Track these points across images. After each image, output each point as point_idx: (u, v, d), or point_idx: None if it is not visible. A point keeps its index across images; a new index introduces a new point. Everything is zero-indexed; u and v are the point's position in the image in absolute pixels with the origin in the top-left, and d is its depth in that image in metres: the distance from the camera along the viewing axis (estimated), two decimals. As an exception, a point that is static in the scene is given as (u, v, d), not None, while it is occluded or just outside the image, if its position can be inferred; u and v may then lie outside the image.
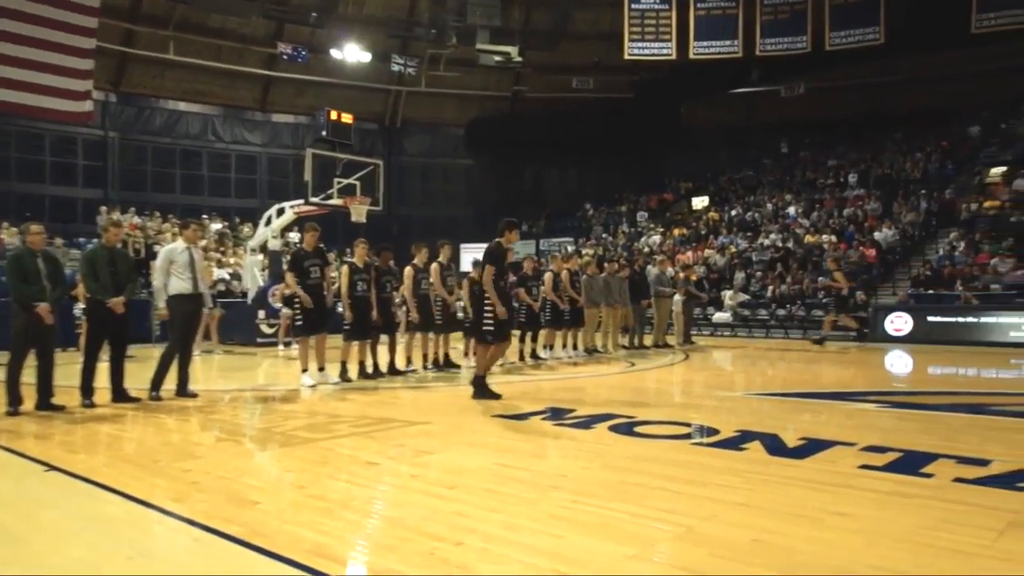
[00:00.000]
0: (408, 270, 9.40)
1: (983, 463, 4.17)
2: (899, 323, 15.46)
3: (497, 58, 25.70)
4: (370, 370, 8.87)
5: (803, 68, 25.62)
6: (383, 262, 9.13)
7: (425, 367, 9.68)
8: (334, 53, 25.67)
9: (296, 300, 7.99)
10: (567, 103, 29.13)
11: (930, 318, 15.29)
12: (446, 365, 9.91)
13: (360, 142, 23.83)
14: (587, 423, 5.61)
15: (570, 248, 24.28)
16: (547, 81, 28.42)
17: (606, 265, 13.19)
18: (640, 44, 24.83)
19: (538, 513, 3.31)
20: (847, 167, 24.91)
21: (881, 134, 26.42)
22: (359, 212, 14.86)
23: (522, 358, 10.84)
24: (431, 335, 9.76)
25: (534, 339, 11.14)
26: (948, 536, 2.94)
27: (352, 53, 25.82)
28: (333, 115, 15.09)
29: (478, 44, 25.18)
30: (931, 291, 16.40)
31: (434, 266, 9.62)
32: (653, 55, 25.03)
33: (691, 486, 3.77)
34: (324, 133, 15.13)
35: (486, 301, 7.03)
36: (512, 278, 11.06)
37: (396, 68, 26.68)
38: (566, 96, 28.84)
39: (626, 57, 25.12)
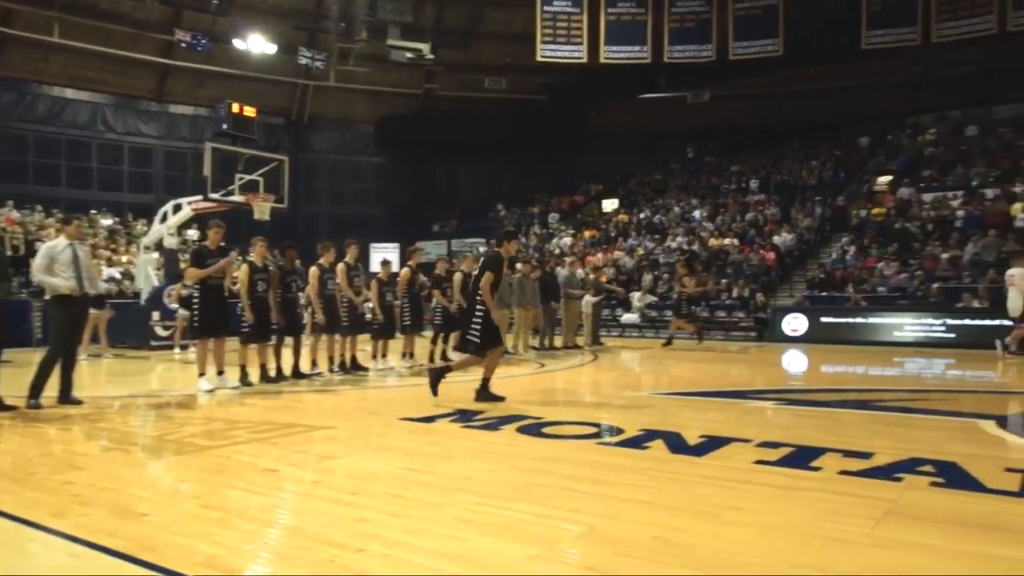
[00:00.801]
0: (313, 270, 9.21)
1: (866, 456, 4.44)
2: (795, 323, 16.28)
3: (409, 55, 25.50)
4: (272, 374, 8.64)
5: (709, 76, 26.59)
6: (288, 261, 8.92)
7: (331, 370, 9.50)
8: (237, 43, 24.77)
9: (195, 300, 7.69)
10: (480, 103, 29.21)
11: (823, 319, 16.17)
12: (353, 368, 9.75)
13: (265, 137, 23.14)
14: (495, 425, 5.64)
15: (482, 249, 24.34)
16: (459, 80, 28.43)
17: (517, 266, 13.31)
18: (552, 46, 25.18)
19: (442, 517, 3.31)
20: (749, 173, 26.04)
21: (780, 142, 27.75)
22: (262, 210, 14.42)
23: (432, 359, 10.79)
24: (337, 337, 9.58)
25: (446, 340, 11.11)
26: (831, 526, 3.12)
27: (256, 44, 25.01)
28: (235, 108, 14.58)
29: (389, 40, 24.92)
30: (824, 293, 17.35)
31: (340, 266, 9.46)
32: (565, 58, 25.42)
33: (596, 485, 3.86)
34: (225, 126, 14.58)
35: (477, 309, 6.95)
36: (425, 280, 11.04)
37: (303, 61, 26.05)
38: (479, 96, 28.91)
39: (538, 59, 25.41)
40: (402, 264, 9.62)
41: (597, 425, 5.61)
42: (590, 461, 4.46)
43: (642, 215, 25.61)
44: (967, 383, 9.30)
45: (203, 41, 24.13)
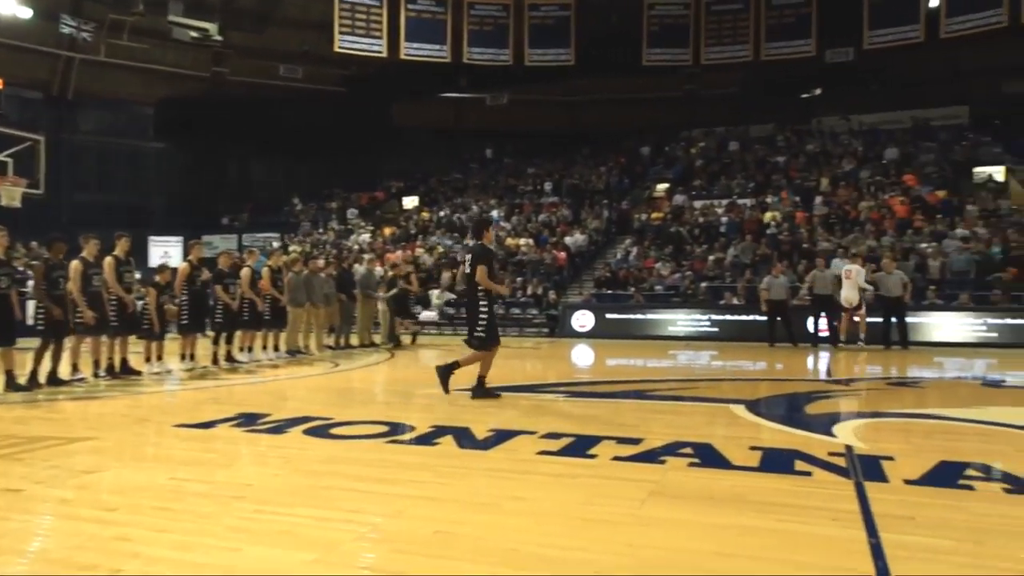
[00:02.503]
0: (75, 264, 8.24)
1: (637, 442, 4.81)
2: (583, 320, 17.30)
3: (193, 34, 23.71)
4: (24, 381, 7.64)
5: (507, 80, 27.46)
6: (55, 255, 7.96)
7: (96, 375, 8.60)
8: (-18, 3, 21.63)
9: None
10: (275, 91, 27.89)
11: (608, 315, 17.34)
12: (123, 372, 8.90)
13: (18, 112, 20.50)
14: (281, 428, 5.41)
15: (275, 244, 23.26)
16: (252, 65, 26.93)
17: (314, 263, 12.91)
18: (351, 38, 24.68)
19: (216, 528, 3.12)
20: (544, 176, 27.24)
21: (573, 148, 29.33)
22: (11, 195, 12.78)
23: (215, 361, 10.13)
24: (104, 338, 8.69)
25: (229, 340, 10.47)
26: (601, 509, 3.35)
27: (7, 5, 21.97)
28: (-22, 77, 12.74)
29: (170, 16, 23.01)
30: (610, 291, 18.60)
31: (108, 260, 8.60)
32: (364, 51, 25.03)
33: (381, 484, 3.83)
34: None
35: (480, 305, 6.88)
36: (207, 275, 10.33)
37: (66, 30, 23.26)
38: (274, 84, 27.60)
39: (336, 49, 24.79)
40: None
41: (388, 424, 5.57)
42: (377, 460, 4.43)
43: (442, 213, 25.87)
44: (726, 372, 10.40)
45: (-63, -3, 20.81)
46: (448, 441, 4.92)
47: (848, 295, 13.42)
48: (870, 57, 24.67)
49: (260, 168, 30.67)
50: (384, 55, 25.20)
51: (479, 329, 7.00)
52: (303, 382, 8.95)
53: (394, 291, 13.28)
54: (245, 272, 10.60)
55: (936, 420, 6.07)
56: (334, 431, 5.31)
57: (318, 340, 12.57)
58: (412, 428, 5.44)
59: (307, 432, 5.24)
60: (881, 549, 2.78)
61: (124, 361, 8.98)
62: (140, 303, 9.39)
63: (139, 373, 9.02)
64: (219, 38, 24.13)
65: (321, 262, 13.45)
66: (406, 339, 13.79)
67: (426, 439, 5.03)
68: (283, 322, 11.52)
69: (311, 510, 3.35)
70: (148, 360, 9.39)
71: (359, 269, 14.88)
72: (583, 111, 31.53)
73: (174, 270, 10.20)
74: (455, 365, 7.19)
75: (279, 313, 11.31)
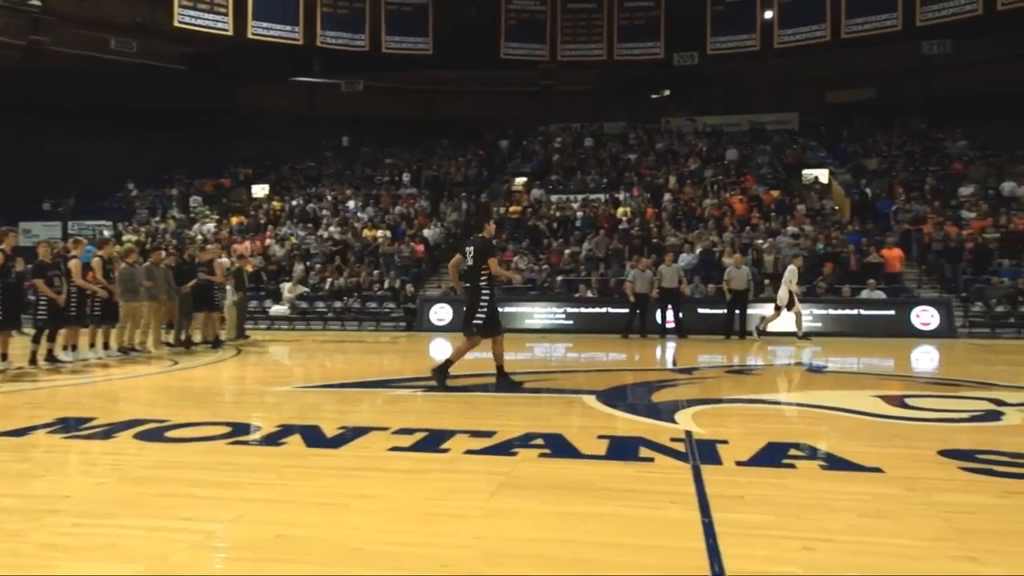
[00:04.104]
0: None
1: (490, 435, 4.87)
2: (441, 314, 17.31)
3: (7, -4, 21.49)
4: None
5: (364, 66, 26.93)
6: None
7: None
8: None
9: None
10: (106, 66, 25.84)
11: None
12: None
13: None
14: (108, 432, 5.03)
15: (107, 233, 21.55)
16: (78, 36, 24.78)
17: (156, 254, 12.09)
18: (192, 12, 23.28)
19: (26, 546, 2.84)
20: (402, 166, 26.96)
21: (432, 138, 29.23)
22: None
23: (33, 361, 9.25)
24: None
25: (52, 338, 9.58)
26: (450, 503, 3.37)
27: None
28: None
29: (-21, -25, 20.73)
30: (468, 285, 18.68)
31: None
32: (207, 27, 23.70)
33: (220, 489, 3.65)
34: None
35: (483, 294, 7.14)
36: (22, 266, 9.41)
37: None
38: (104, 57, 25.56)
39: (175, 24, 23.27)
40: None
41: (230, 424, 5.31)
42: (217, 463, 4.21)
43: (294, 203, 25.00)
44: (581, 364, 10.76)
45: None
46: (296, 440, 4.76)
47: (782, 293, 14.19)
48: (713, 62, 26.30)
49: (89, 149, 28.25)
50: (230, 33, 23.96)
51: (479, 316, 7.23)
52: (137, 382, 8.36)
53: (193, 281, 11.94)
54: (75, 263, 9.75)
55: (767, 405, 6.59)
56: (170, 434, 4.99)
57: (155, 337, 11.77)
58: (257, 428, 5.24)
59: (138, 436, 4.89)
60: (712, 528, 2.97)
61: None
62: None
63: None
64: (37, 3, 21.99)
65: (162, 253, 12.59)
66: (196, 337, 12.54)
67: (272, 439, 4.84)
68: (115, 318, 10.69)
69: (139, 520, 3.13)
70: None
71: (223, 263, 14.04)
72: (442, 101, 31.50)
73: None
74: (448, 363, 7.39)
75: (110, 308, 10.49)
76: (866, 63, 27.84)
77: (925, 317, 15.30)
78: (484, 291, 7.29)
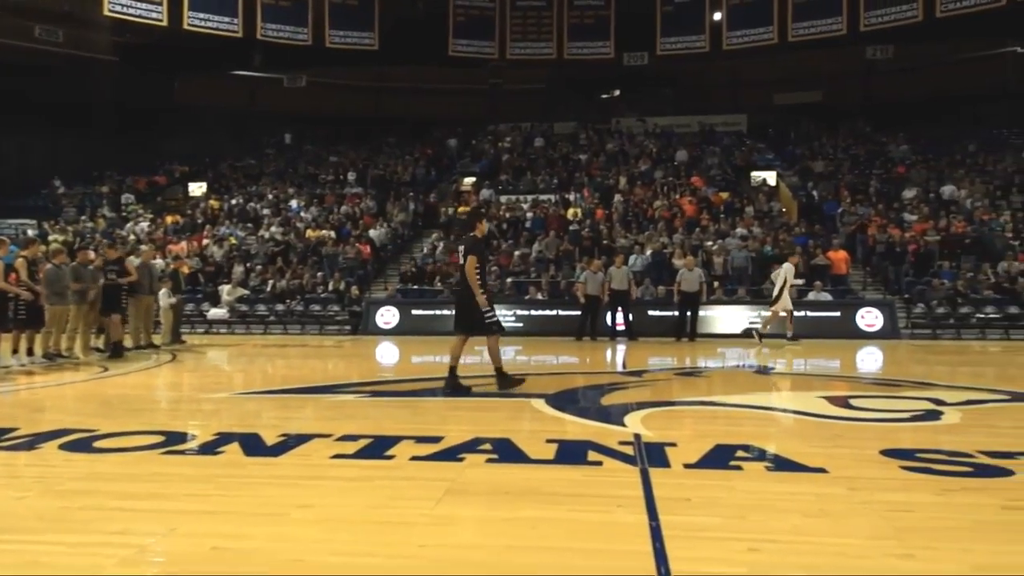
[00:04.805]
0: None
1: (436, 440, 4.86)
2: (388, 316, 17.18)
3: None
4: None
5: (307, 61, 26.56)
6: None
7: None
8: None
9: None
10: (30, 55, 24.88)
11: (414, 311, 17.34)
12: None
13: None
14: (32, 443, 4.85)
15: (32, 232, 20.78)
16: (-1, 23, 23.85)
17: (83, 254, 11.73)
18: (124, 1, 22.59)
19: (-62, 566, 2.73)
20: (347, 165, 26.68)
21: (378, 136, 29.01)
22: None
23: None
24: None
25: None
26: (395, 511, 3.35)
27: None
28: None
29: None
30: (415, 286, 18.61)
31: None
32: (140, 17, 23.02)
33: (152, 501, 3.56)
34: None
35: (480, 294, 7.12)
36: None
37: None
38: (27, 46, 24.63)
39: (106, 13, 22.57)
40: None
41: (165, 433, 5.18)
42: (149, 474, 4.10)
43: (234, 202, 24.50)
44: (531, 367, 10.80)
45: None
46: (234, 449, 4.67)
47: (777, 292, 14.14)
48: (663, 63, 26.72)
49: (9, 144, 27.19)
50: (164, 23, 23.32)
51: (488, 317, 7.28)
52: (64, 390, 8.08)
53: (101, 282, 11.37)
54: (-5, 265, 9.39)
55: (716, 407, 6.71)
56: (99, 444, 4.85)
57: (84, 342, 11.40)
58: (193, 437, 5.12)
59: (64, 447, 4.73)
60: (660, 531, 3.03)
61: None
62: None
63: None
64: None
65: (92, 253, 12.20)
66: (128, 342, 11.93)
67: (208, 448, 4.74)
68: (40, 322, 10.32)
69: (64, 535, 3.03)
70: None
71: (135, 261, 13.69)
72: (389, 99, 31.30)
73: None
74: (499, 371, 7.51)
75: (35, 312, 10.12)
76: (812, 66, 28.69)
77: (870, 318, 15.80)
78: (480, 289, 7.35)
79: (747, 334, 14.85)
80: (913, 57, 26.85)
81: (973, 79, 27.85)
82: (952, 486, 3.78)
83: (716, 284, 16.97)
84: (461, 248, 7.57)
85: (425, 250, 20.59)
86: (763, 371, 9.94)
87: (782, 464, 4.26)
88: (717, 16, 25.56)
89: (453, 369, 7.51)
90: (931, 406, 6.39)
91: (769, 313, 14.39)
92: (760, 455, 4.53)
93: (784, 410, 6.26)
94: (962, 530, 3.07)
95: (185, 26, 23.46)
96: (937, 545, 2.88)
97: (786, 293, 14.02)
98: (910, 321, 16.35)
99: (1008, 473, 4.01)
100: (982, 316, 15.96)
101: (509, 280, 18.06)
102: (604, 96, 31.70)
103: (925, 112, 27.04)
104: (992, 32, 25.38)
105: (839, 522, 3.18)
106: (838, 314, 16.16)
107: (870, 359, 11.97)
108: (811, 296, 16.52)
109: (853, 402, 6.73)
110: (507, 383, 7.49)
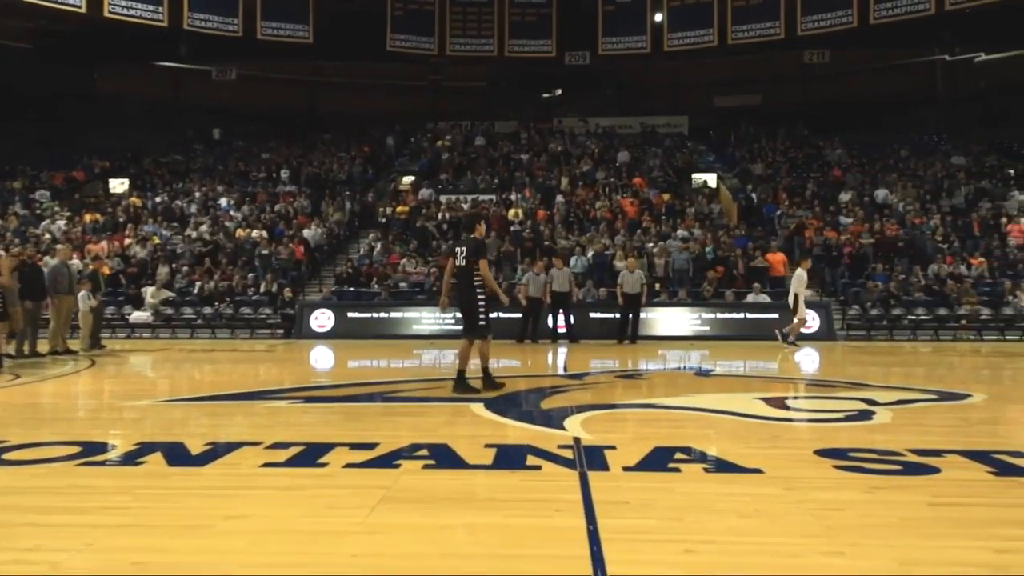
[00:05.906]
0: None
1: (372, 446, 4.82)
2: (323, 319, 16.95)
3: None
4: None
5: (238, 53, 26.01)
6: None
7: None
8: None
9: None
10: (-68, 41, 23.76)
11: (350, 314, 17.16)
12: None
13: None
14: (-66, 457, 4.63)
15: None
16: None
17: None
18: (39, -14, 21.76)
19: None
20: (280, 162, 26.21)
21: (313, 133, 28.60)
22: None
23: None
24: None
25: None
26: (328, 520, 3.32)
27: None
28: None
29: None
30: (352, 288, 18.41)
31: None
32: (57, 3, 22.19)
33: (67, 515, 3.44)
34: None
35: (479, 296, 7.30)
36: None
37: None
38: (-69, 31, 23.49)
39: (19, -2, 21.72)
40: None
41: (81, 443, 5.01)
42: (64, 487, 3.97)
43: (159, 199, 23.81)
44: (471, 371, 10.75)
45: None
46: (156, 459, 4.55)
47: (791, 299, 14.23)
48: (605, 62, 27.08)
49: (-90, 135, 25.93)
50: (82, 10, 22.53)
51: (481, 318, 7.40)
52: (-30, 399, 7.73)
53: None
54: None
55: (656, 409, 6.83)
56: (8, 456, 4.66)
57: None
58: (112, 447, 4.97)
59: (-30, 460, 4.54)
60: (597, 534, 3.07)
61: None
62: None
63: None
64: None
65: (1, 254, 11.68)
66: (44, 347, 11.32)
67: (129, 458, 4.61)
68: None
69: (-31, 554, 2.91)
70: None
71: (51, 262, 13.20)
72: (324, 94, 30.90)
73: None
74: (486, 373, 7.62)
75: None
76: (752, 69, 29.47)
77: (807, 320, 16.28)
78: (479, 292, 7.46)
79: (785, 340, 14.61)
80: (848, 62, 27.84)
81: (905, 85, 29.08)
82: (882, 484, 3.94)
83: (658, 286, 17.27)
84: (461, 250, 7.58)
85: (362, 251, 20.39)
86: (703, 373, 10.16)
87: (720, 465, 4.37)
88: (658, 17, 26.04)
89: (461, 373, 7.58)
90: (864, 406, 6.63)
91: (796, 321, 14.37)
92: (699, 456, 4.63)
93: (723, 412, 6.42)
94: (890, 527, 3.20)
95: (106, 13, 22.72)
96: (865, 542, 3.00)
97: (802, 299, 14.21)
98: (845, 323, 16.94)
99: (935, 471, 4.20)
100: (913, 318, 16.65)
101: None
102: (546, 95, 31.93)
103: (859, 116, 28.08)
104: (922, 40, 26.52)
105: (773, 521, 3.29)
106: (777, 316, 16.61)
107: (807, 360, 12.35)
108: (750, 298, 16.95)
109: (790, 403, 6.95)
110: (492, 386, 7.62)
